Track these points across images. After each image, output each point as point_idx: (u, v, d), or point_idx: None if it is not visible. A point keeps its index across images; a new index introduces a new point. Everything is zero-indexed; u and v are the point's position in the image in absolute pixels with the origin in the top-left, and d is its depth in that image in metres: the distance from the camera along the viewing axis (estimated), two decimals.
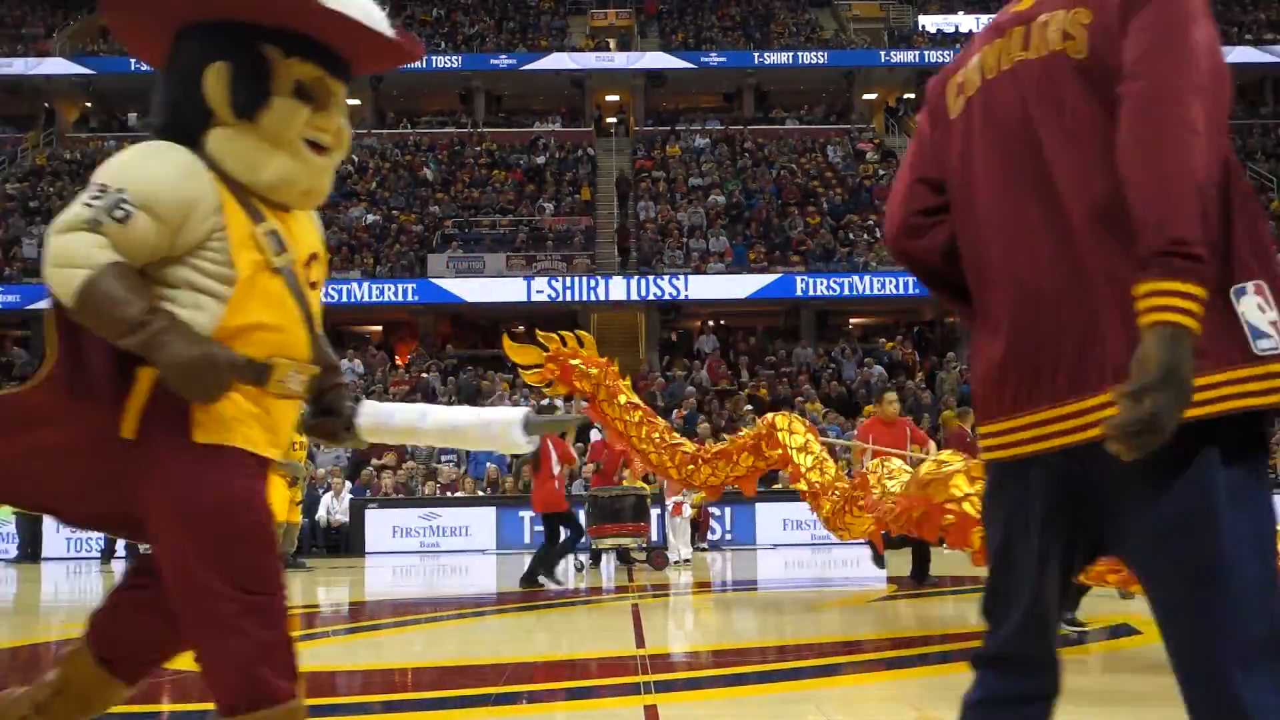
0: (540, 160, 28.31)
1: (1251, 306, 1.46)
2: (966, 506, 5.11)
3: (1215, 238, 1.45)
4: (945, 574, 10.63)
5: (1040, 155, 1.60)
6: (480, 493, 15.65)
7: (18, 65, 30.24)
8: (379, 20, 2.28)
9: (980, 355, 1.68)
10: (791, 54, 31.17)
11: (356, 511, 15.04)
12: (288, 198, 2.16)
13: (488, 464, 16.26)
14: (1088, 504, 1.57)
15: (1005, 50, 1.71)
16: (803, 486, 7.27)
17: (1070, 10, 1.61)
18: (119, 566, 13.15)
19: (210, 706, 2.00)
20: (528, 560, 13.54)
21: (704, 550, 13.92)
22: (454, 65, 30.86)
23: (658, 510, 12.60)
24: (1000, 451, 1.64)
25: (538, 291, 22.20)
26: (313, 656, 6.02)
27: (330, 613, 8.57)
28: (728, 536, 14.96)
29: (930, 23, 33.27)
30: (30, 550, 14.28)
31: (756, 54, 31.21)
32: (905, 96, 32.75)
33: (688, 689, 4.61)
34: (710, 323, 24.62)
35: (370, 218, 25.15)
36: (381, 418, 2.43)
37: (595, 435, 14.78)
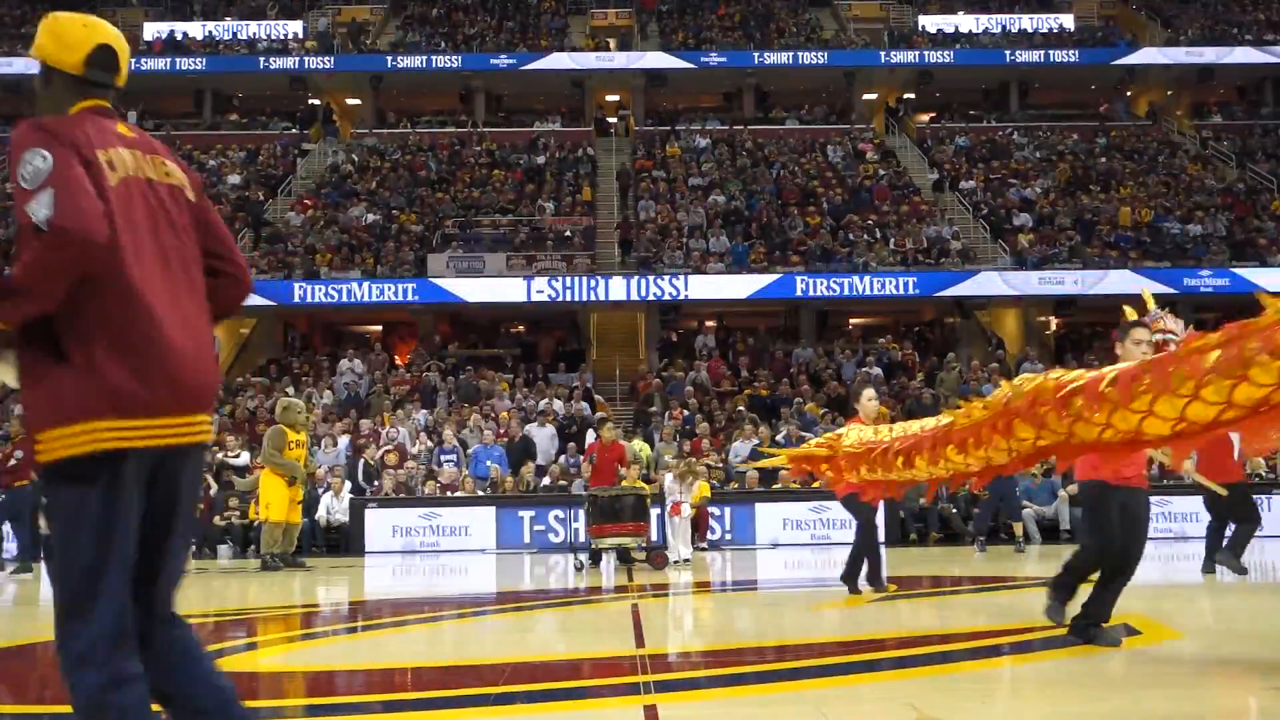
0: (540, 160, 28.31)
1: None
2: None
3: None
4: (945, 574, 10.63)
5: (187, 259, 2.50)
6: (480, 493, 15.64)
7: (18, 65, 30.23)
8: None
9: (116, 366, 2.31)
10: (791, 54, 31.17)
11: (356, 511, 15.04)
12: None
13: (489, 463, 16.28)
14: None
15: (137, 162, 2.48)
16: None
17: (175, 163, 2.60)
18: None
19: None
20: (527, 559, 13.57)
21: (704, 550, 13.92)
22: (454, 65, 30.86)
23: (657, 510, 12.60)
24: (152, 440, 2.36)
25: (538, 291, 22.19)
26: (313, 656, 6.02)
27: (330, 612, 8.57)
28: (727, 536, 14.95)
29: (930, 23, 33.26)
30: (30, 551, 14.24)
31: (756, 54, 31.21)
32: (905, 96, 32.76)
33: (688, 689, 4.61)
34: (710, 323, 24.62)
35: (370, 218, 25.15)
36: None
37: (591, 437, 14.75)
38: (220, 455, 16.27)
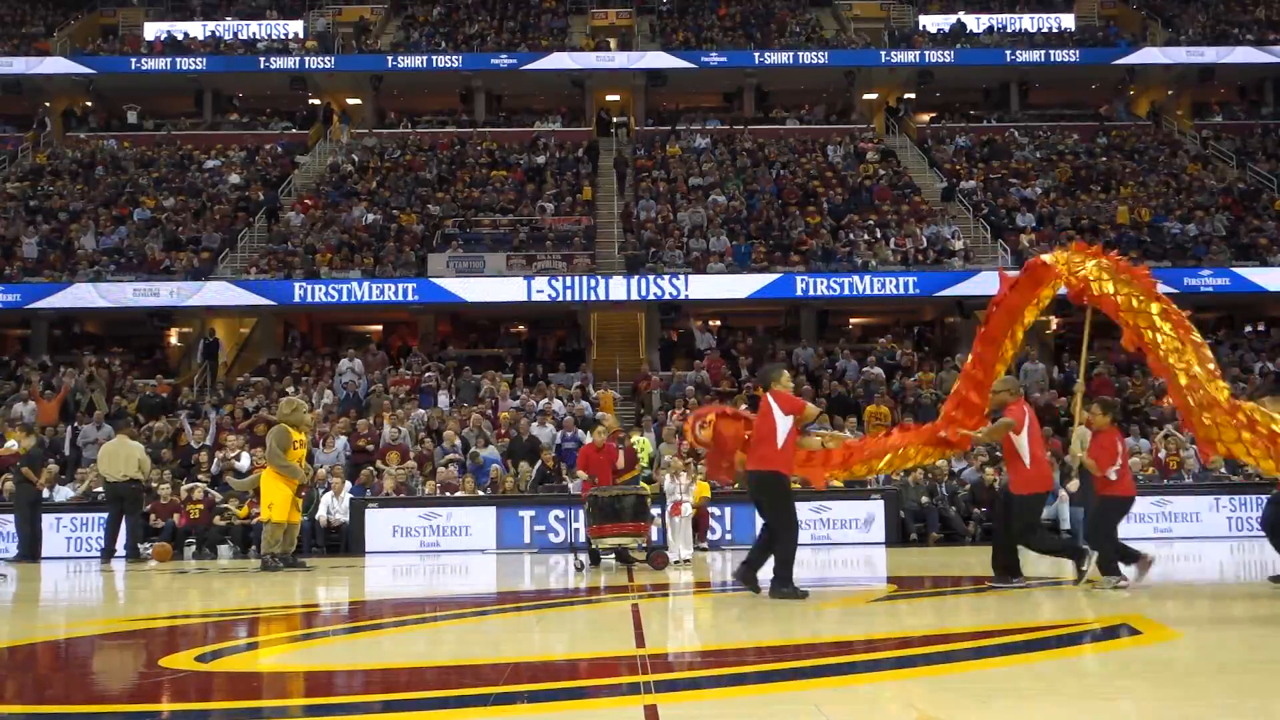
0: (540, 160, 28.31)
1: None
2: None
3: None
4: (945, 574, 10.62)
5: None
6: (480, 492, 15.65)
7: (18, 64, 30.25)
8: None
9: None
10: (792, 54, 31.18)
11: (356, 511, 15.04)
12: None
13: (493, 465, 16.29)
14: None
15: None
16: None
17: None
18: (119, 566, 13.15)
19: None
20: (527, 559, 13.56)
21: (704, 550, 13.92)
22: (454, 65, 30.88)
23: (658, 510, 12.59)
24: None
25: (538, 291, 22.19)
26: (313, 656, 6.02)
27: (330, 613, 8.57)
28: (728, 536, 14.95)
29: (931, 23, 33.27)
30: (30, 550, 14.27)
31: (757, 54, 31.21)
32: (906, 96, 32.76)
33: (688, 689, 4.61)
34: (715, 321, 24.62)
35: (370, 217, 25.14)
36: None
37: (586, 438, 14.70)
38: (220, 455, 16.27)
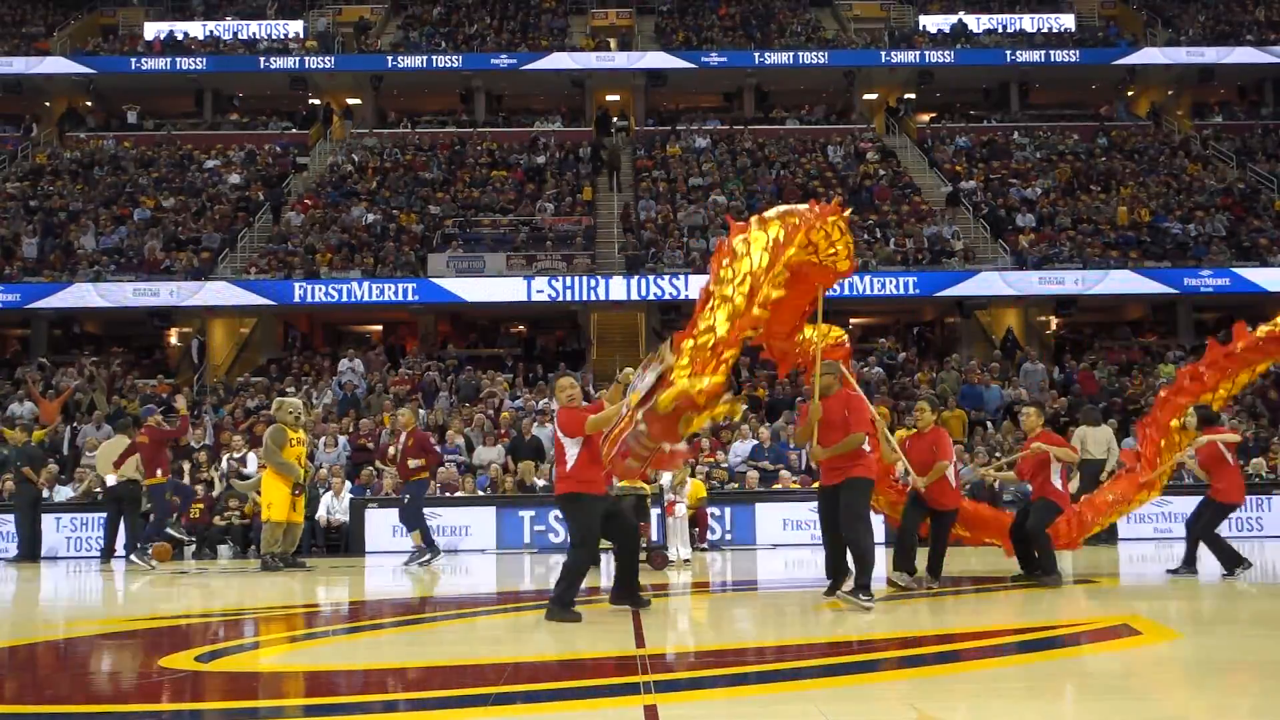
0: (540, 160, 28.31)
1: None
2: None
3: None
4: (944, 574, 10.60)
5: None
6: (480, 492, 15.65)
7: (18, 64, 30.24)
8: None
9: None
10: (792, 54, 31.17)
11: (356, 511, 15.04)
12: None
13: (493, 464, 16.28)
14: None
15: None
16: None
17: None
18: (119, 565, 13.14)
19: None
20: (527, 559, 13.55)
21: (704, 550, 13.92)
22: (454, 65, 30.88)
23: (657, 510, 12.59)
24: None
25: (538, 291, 22.19)
26: (313, 656, 6.02)
27: (330, 613, 8.57)
28: (728, 536, 14.95)
29: (931, 23, 33.27)
30: (30, 550, 14.27)
31: (757, 54, 31.22)
32: (906, 96, 32.76)
33: (688, 689, 4.61)
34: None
35: (370, 218, 25.14)
36: None
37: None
38: (227, 457, 16.26)
